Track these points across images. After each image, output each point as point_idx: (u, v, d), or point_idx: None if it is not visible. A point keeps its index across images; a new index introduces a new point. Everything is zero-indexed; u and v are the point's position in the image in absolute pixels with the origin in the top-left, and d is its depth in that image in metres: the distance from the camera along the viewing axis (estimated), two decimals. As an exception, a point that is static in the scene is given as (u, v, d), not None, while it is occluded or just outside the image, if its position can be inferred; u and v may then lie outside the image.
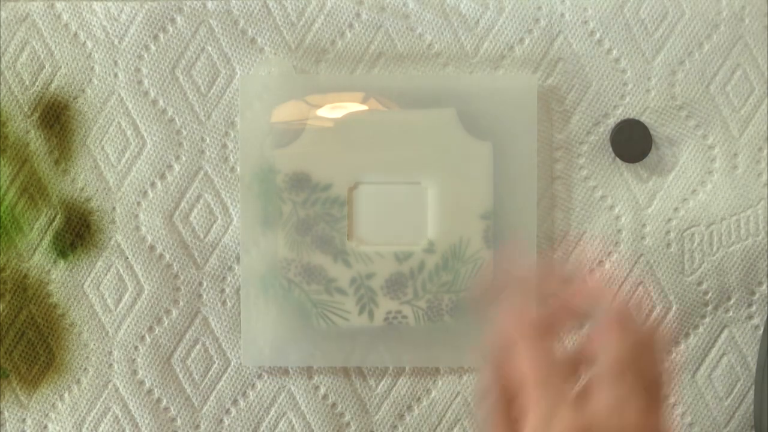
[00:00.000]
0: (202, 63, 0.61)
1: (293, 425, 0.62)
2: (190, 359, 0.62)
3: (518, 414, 0.54)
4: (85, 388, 0.62)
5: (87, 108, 0.61)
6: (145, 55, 0.61)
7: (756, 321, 0.62)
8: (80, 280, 0.62)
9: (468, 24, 0.61)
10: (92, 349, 0.62)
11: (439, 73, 0.61)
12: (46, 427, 0.62)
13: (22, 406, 0.62)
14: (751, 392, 0.62)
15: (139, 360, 0.62)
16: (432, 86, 0.60)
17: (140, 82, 0.61)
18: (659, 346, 0.51)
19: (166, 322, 0.62)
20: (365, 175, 0.60)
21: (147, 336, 0.62)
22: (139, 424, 0.62)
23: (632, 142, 0.60)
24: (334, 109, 0.60)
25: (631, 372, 0.49)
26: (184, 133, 0.61)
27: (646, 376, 0.50)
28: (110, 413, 0.62)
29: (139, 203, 0.61)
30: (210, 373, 0.62)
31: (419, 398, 0.62)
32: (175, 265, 0.61)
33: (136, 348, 0.62)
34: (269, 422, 0.62)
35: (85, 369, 0.62)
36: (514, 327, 0.51)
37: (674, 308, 0.62)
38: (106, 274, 0.62)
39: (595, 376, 0.49)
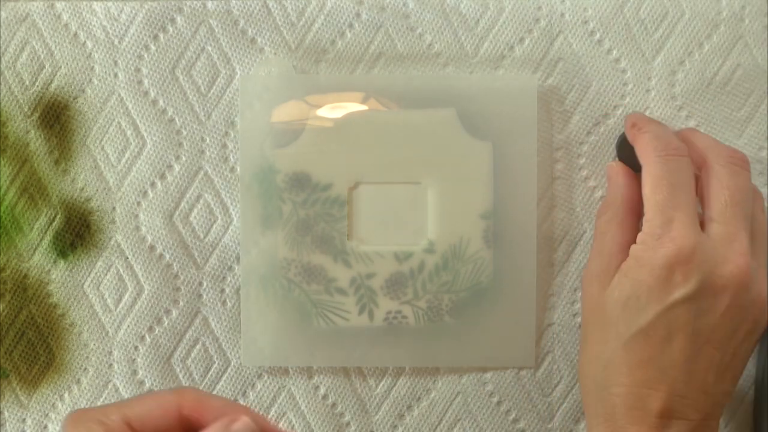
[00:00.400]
0: (202, 63, 0.61)
1: (293, 425, 0.62)
2: (190, 359, 0.62)
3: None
4: (85, 388, 0.62)
5: (87, 108, 0.61)
6: (145, 55, 0.61)
7: (756, 321, 0.62)
8: (80, 280, 0.62)
9: (468, 24, 0.61)
10: (92, 349, 0.62)
11: (439, 73, 0.61)
12: (46, 427, 0.62)
13: (22, 406, 0.62)
14: (751, 392, 0.62)
15: (139, 360, 0.62)
16: (432, 86, 0.60)
17: (140, 82, 0.61)
18: (761, 202, 0.54)
19: (166, 322, 0.62)
20: (365, 175, 0.60)
21: (147, 336, 0.62)
22: (139, 424, 0.61)
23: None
24: (334, 109, 0.60)
25: (743, 213, 0.51)
26: (184, 133, 0.61)
27: (754, 223, 0.52)
28: None
29: (139, 203, 0.61)
30: (210, 373, 0.62)
31: (419, 398, 0.62)
32: (175, 265, 0.61)
33: (136, 348, 0.62)
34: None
35: (85, 369, 0.62)
36: (645, 147, 0.54)
37: (674, 308, 0.62)
38: (106, 274, 0.62)
39: (711, 209, 0.51)
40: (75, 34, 0.61)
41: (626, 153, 0.59)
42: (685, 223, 0.50)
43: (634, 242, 0.53)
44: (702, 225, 0.52)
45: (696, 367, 0.50)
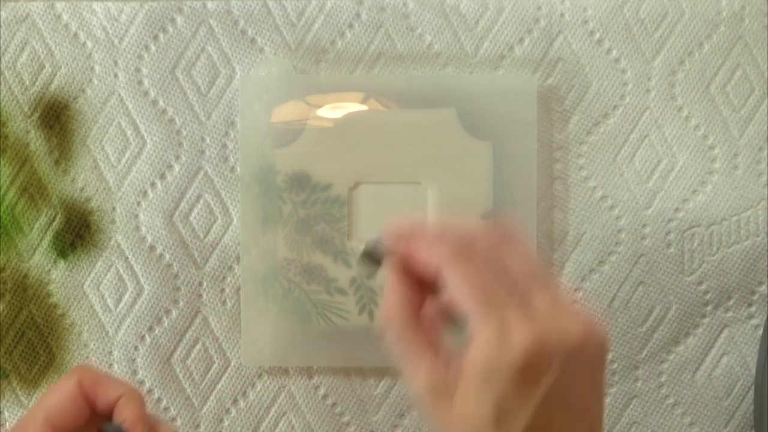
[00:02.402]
0: (202, 63, 0.61)
1: (293, 425, 0.62)
2: (190, 359, 0.62)
3: (433, 334, 0.50)
4: (85, 388, 0.62)
5: (87, 108, 0.61)
6: (145, 55, 0.61)
7: (756, 321, 0.62)
8: (80, 280, 0.62)
9: (468, 24, 0.61)
10: (92, 349, 0.62)
11: (439, 73, 0.61)
12: (46, 427, 0.62)
13: (22, 406, 0.62)
14: (751, 392, 0.62)
15: (139, 360, 0.62)
16: (432, 86, 0.60)
17: (140, 82, 0.61)
18: (512, 240, 0.50)
19: (166, 322, 0.62)
20: (365, 175, 0.60)
21: (147, 336, 0.62)
22: (139, 424, 0.61)
23: None
24: (334, 109, 0.60)
25: (545, 274, 0.48)
26: (184, 133, 0.61)
27: (524, 272, 0.49)
28: None
29: (139, 203, 0.61)
30: (210, 373, 0.62)
31: (419, 398, 0.62)
32: (175, 265, 0.61)
33: (136, 348, 0.62)
34: (269, 422, 0.62)
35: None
36: (434, 252, 0.48)
37: (674, 308, 0.62)
38: (106, 274, 0.62)
39: (520, 288, 0.47)
40: (75, 34, 0.61)
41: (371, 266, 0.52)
42: (520, 318, 0.46)
43: (439, 336, 0.49)
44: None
45: (584, 423, 0.48)
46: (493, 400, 0.46)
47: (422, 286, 0.50)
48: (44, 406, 0.49)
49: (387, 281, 0.50)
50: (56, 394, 0.50)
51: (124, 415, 0.49)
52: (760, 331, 0.62)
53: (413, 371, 0.49)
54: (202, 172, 0.61)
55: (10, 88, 0.61)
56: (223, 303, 0.62)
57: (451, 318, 0.49)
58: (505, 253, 0.49)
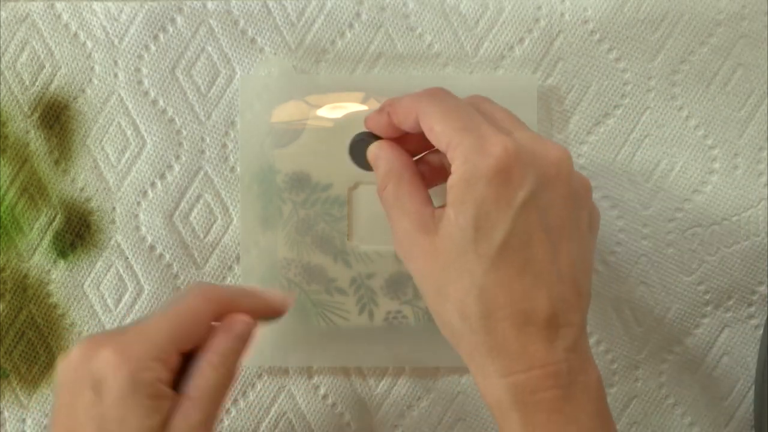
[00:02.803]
0: (202, 63, 0.61)
1: (293, 425, 0.62)
2: (190, 359, 0.62)
3: (427, 171, 0.54)
4: (85, 388, 0.62)
5: (87, 108, 0.61)
6: (145, 55, 0.61)
7: (756, 321, 0.62)
8: (80, 280, 0.62)
9: (468, 24, 0.61)
10: (92, 349, 0.62)
11: (439, 73, 0.61)
12: (46, 427, 0.62)
13: (22, 406, 0.62)
14: (751, 392, 0.62)
15: (139, 360, 0.62)
16: (431, 76, 0.60)
17: (140, 82, 0.61)
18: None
19: (166, 322, 0.62)
20: (365, 175, 0.60)
21: (147, 336, 0.62)
22: (139, 424, 0.61)
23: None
24: (334, 109, 0.60)
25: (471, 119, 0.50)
26: (184, 133, 0.61)
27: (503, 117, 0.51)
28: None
29: (139, 203, 0.61)
30: (210, 373, 0.62)
31: (419, 398, 0.62)
32: (175, 265, 0.62)
33: (136, 348, 0.62)
34: (269, 422, 0.62)
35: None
36: (410, 102, 0.51)
37: (674, 308, 0.62)
38: (106, 274, 0.62)
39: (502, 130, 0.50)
40: (75, 34, 0.61)
41: (360, 156, 0.55)
42: (496, 132, 0.48)
43: (427, 197, 0.51)
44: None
45: (562, 265, 0.48)
46: (472, 209, 0.47)
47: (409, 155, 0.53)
48: (174, 330, 0.49)
49: (380, 155, 0.53)
50: (188, 318, 0.49)
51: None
52: (760, 331, 0.62)
53: (400, 216, 0.51)
54: (202, 172, 0.61)
55: (10, 88, 0.61)
56: (223, 303, 0.62)
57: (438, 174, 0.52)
58: (482, 104, 0.52)
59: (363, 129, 0.54)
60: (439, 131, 0.49)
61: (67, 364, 0.49)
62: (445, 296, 0.49)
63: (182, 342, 0.49)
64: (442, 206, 0.49)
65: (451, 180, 0.48)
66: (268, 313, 0.53)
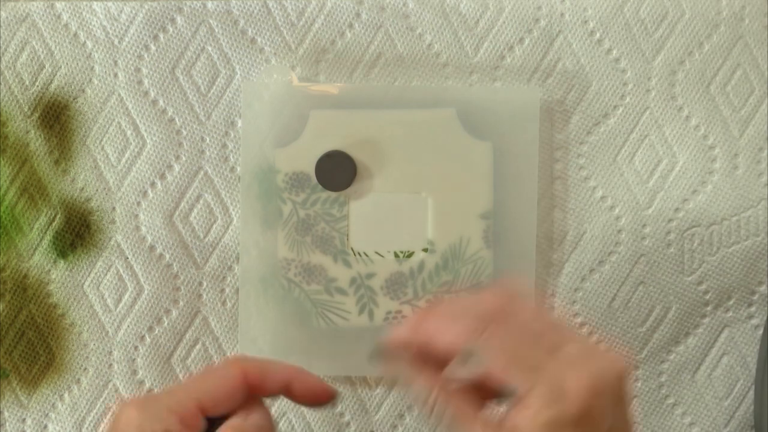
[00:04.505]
0: (202, 63, 0.61)
1: (293, 425, 0.62)
2: (190, 359, 0.62)
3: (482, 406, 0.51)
4: (85, 388, 0.62)
5: (87, 108, 0.61)
6: (145, 55, 0.61)
7: (756, 321, 0.62)
8: (80, 280, 0.62)
9: (468, 24, 0.61)
10: (92, 349, 0.62)
11: (439, 73, 0.61)
12: (46, 427, 0.62)
13: (22, 406, 0.62)
14: (751, 392, 0.62)
15: (139, 360, 0.62)
16: (432, 86, 0.60)
17: (140, 82, 0.61)
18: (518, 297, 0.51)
19: (166, 322, 0.62)
20: (365, 175, 0.60)
21: (147, 336, 0.62)
22: (139, 424, 0.61)
23: (336, 173, 0.60)
24: (334, 110, 0.60)
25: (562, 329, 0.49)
26: (184, 133, 0.61)
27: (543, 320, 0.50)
28: (110, 413, 0.62)
29: (139, 203, 0.61)
30: (210, 373, 0.62)
31: (419, 398, 0.62)
32: (175, 265, 0.61)
33: (136, 348, 0.62)
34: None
35: (85, 369, 0.62)
36: (451, 326, 0.49)
37: (674, 308, 0.62)
38: (106, 274, 0.62)
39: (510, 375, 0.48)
40: (75, 34, 0.61)
41: (325, 176, 0.58)
42: (569, 364, 0.47)
43: (478, 404, 0.50)
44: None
45: None
46: None
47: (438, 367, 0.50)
48: (199, 390, 0.49)
49: (406, 377, 0.50)
50: (215, 382, 0.49)
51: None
52: (760, 331, 0.62)
53: None
54: (202, 172, 0.61)
55: (10, 88, 0.61)
56: (223, 303, 0.62)
57: (485, 392, 0.49)
58: (518, 312, 0.50)
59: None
60: (500, 373, 0.48)
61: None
62: None
63: (207, 404, 0.49)
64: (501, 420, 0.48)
65: (534, 417, 0.47)
66: (306, 394, 0.52)
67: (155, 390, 0.62)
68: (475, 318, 0.49)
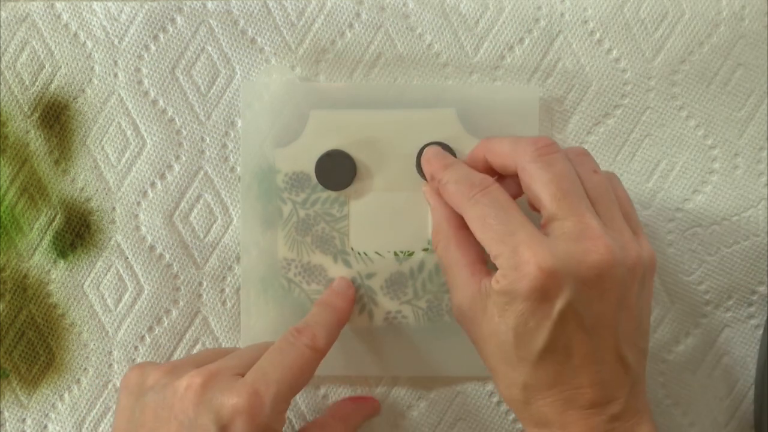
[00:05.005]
0: (202, 63, 0.61)
1: (293, 425, 0.62)
2: (190, 359, 0.62)
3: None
4: (85, 388, 0.62)
5: (87, 108, 0.61)
6: (145, 55, 0.61)
7: (756, 321, 0.62)
8: (80, 280, 0.62)
9: (468, 24, 0.61)
10: (92, 349, 0.62)
11: (439, 73, 0.61)
12: (46, 427, 0.62)
13: (22, 406, 0.62)
14: (751, 392, 0.62)
15: (139, 360, 0.62)
16: (432, 86, 0.60)
17: (140, 82, 0.61)
18: (583, 158, 0.53)
19: (166, 322, 0.62)
20: (365, 175, 0.60)
21: (147, 336, 0.62)
22: (139, 424, 0.61)
23: (336, 172, 0.60)
24: (334, 109, 0.60)
25: (577, 196, 0.51)
26: (184, 133, 0.61)
27: (588, 192, 0.52)
28: (110, 413, 0.62)
29: (139, 203, 0.61)
30: (210, 373, 0.62)
31: (419, 398, 0.62)
32: (175, 265, 0.62)
33: (136, 348, 0.62)
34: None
35: (85, 369, 0.62)
36: (453, 198, 0.54)
37: (674, 308, 0.62)
38: (106, 274, 0.62)
39: (546, 209, 0.51)
40: (75, 34, 0.61)
41: (324, 174, 0.60)
42: (530, 242, 0.49)
43: (479, 252, 0.54)
44: (545, 226, 0.51)
45: (604, 351, 0.50)
46: (512, 319, 0.50)
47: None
48: (294, 379, 0.53)
49: (430, 200, 0.56)
50: (301, 368, 0.53)
51: None
52: (760, 331, 0.62)
53: (454, 288, 0.54)
54: (202, 172, 0.61)
55: (10, 88, 0.61)
56: (223, 303, 0.62)
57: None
58: (533, 175, 0.52)
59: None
60: (476, 235, 0.52)
61: (186, 390, 0.51)
62: (495, 373, 0.52)
63: (298, 392, 0.53)
64: (489, 276, 0.52)
65: (493, 286, 0.51)
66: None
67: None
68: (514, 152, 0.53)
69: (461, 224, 0.54)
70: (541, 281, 0.49)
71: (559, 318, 0.49)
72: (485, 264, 0.53)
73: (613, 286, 0.50)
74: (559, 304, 0.49)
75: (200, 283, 0.62)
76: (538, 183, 0.51)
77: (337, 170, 0.59)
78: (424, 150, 0.58)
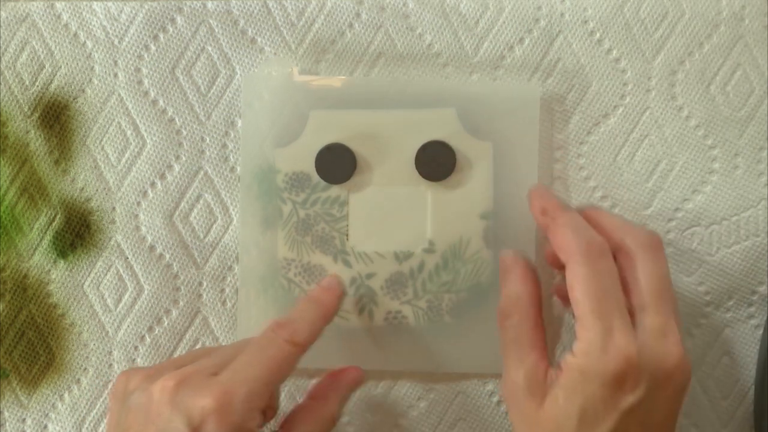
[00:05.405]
0: (202, 63, 0.61)
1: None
2: (190, 359, 0.62)
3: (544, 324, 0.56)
4: (85, 388, 0.62)
5: (87, 108, 0.61)
6: (145, 55, 0.61)
7: (756, 321, 0.62)
8: (80, 280, 0.62)
9: (468, 24, 0.61)
10: (92, 349, 0.62)
11: (439, 73, 0.61)
12: (46, 427, 0.62)
13: (22, 406, 0.62)
14: (751, 392, 0.62)
15: (139, 360, 0.62)
16: (432, 86, 0.60)
17: (140, 82, 0.61)
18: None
19: (166, 322, 0.62)
20: (365, 175, 0.60)
21: (147, 336, 0.62)
22: (139, 424, 0.61)
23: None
24: (334, 109, 0.60)
25: (671, 300, 0.51)
26: (184, 133, 0.61)
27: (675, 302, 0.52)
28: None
29: (139, 203, 0.61)
30: (210, 373, 0.62)
31: (419, 398, 0.62)
32: (175, 265, 0.62)
33: (136, 348, 0.62)
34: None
35: (85, 369, 0.62)
36: (567, 244, 0.52)
37: (674, 308, 0.62)
38: (106, 274, 0.62)
39: (642, 300, 0.51)
40: (75, 34, 0.61)
41: (324, 167, 0.60)
42: (624, 330, 0.50)
43: (545, 337, 0.54)
44: (632, 315, 0.52)
45: None
46: (581, 401, 0.50)
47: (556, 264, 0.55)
48: (271, 376, 0.52)
49: (513, 270, 0.55)
50: (280, 365, 0.53)
51: None
52: (760, 331, 0.62)
53: (517, 365, 0.53)
54: (202, 172, 0.61)
55: (10, 88, 0.61)
56: (223, 303, 0.62)
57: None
58: (641, 261, 0.52)
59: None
60: (575, 303, 0.51)
61: (160, 393, 0.51)
62: None
63: (274, 388, 0.53)
64: (557, 369, 0.51)
65: (569, 362, 0.50)
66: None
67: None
68: (592, 242, 0.52)
69: (540, 303, 0.55)
70: (625, 371, 0.49)
71: (627, 411, 0.50)
72: (546, 353, 0.54)
73: (675, 391, 0.51)
74: (631, 398, 0.49)
75: (200, 283, 0.62)
76: (645, 271, 0.52)
77: (337, 163, 0.59)
78: (534, 186, 0.58)
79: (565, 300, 0.58)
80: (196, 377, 0.51)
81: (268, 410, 0.54)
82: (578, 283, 0.51)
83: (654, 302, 0.51)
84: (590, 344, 0.50)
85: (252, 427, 0.51)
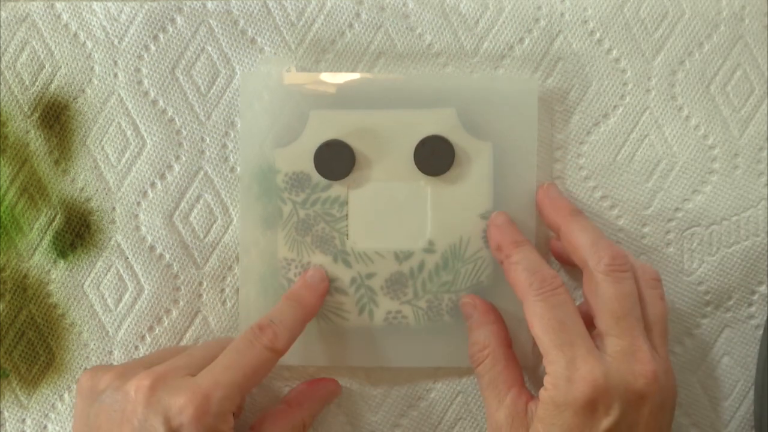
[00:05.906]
0: (202, 63, 0.61)
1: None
2: (190, 359, 0.62)
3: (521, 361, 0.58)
4: (85, 388, 0.62)
5: (87, 108, 0.61)
6: (145, 55, 0.61)
7: (756, 321, 0.62)
8: (80, 280, 0.62)
9: (468, 24, 0.61)
10: (92, 349, 0.62)
11: (439, 73, 0.61)
12: (45, 427, 0.62)
13: (22, 406, 0.62)
14: (751, 392, 0.62)
15: (139, 360, 0.62)
16: (432, 86, 0.60)
17: (140, 82, 0.61)
18: (654, 283, 0.54)
19: (166, 322, 0.62)
20: (365, 175, 0.60)
21: (147, 336, 0.62)
22: (139, 424, 0.61)
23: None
24: (334, 109, 0.60)
25: (634, 319, 0.52)
26: (184, 133, 0.61)
27: (651, 311, 0.53)
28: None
29: (139, 203, 0.61)
30: (210, 373, 0.62)
31: (419, 398, 0.62)
32: (175, 265, 0.62)
33: (136, 348, 0.62)
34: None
35: (85, 369, 0.62)
36: (520, 282, 0.54)
37: (674, 308, 0.62)
38: (106, 274, 0.62)
39: (604, 324, 0.52)
40: (75, 34, 0.61)
41: (324, 165, 0.60)
42: (587, 357, 0.51)
43: (521, 372, 0.55)
44: (596, 338, 0.53)
45: None
46: (559, 430, 0.51)
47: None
48: (246, 379, 0.53)
49: (473, 315, 0.58)
50: (255, 368, 0.54)
51: None
52: (760, 331, 0.62)
53: (496, 405, 0.55)
54: (202, 172, 0.61)
55: (10, 88, 0.61)
56: (223, 303, 0.62)
57: None
58: (601, 285, 0.53)
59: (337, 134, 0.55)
60: (535, 335, 0.52)
61: (136, 392, 0.52)
62: None
63: (248, 392, 0.54)
64: (535, 399, 0.53)
65: (542, 395, 0.52)
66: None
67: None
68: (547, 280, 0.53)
69: (509, 342, 0.57)
70: (594, 397, 0.50)
71: None
72: (525, 385, 0.55)
73: (653, 409, 0.51)
74: (606, 422, 0.50)
75: (200, 283, 0.62)
76: (603, 296, 0.53)
77: (336, 160, 0.59)
78: (493, 214, 0.59)
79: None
80: (172, 377, 0.52)
81: (237, 411, 0.55)
82: (536, 319, 0.52)
83: (615, 325, 0.52)
84: (557, 376, 0.51)
85: (225, 429, 0.51)
